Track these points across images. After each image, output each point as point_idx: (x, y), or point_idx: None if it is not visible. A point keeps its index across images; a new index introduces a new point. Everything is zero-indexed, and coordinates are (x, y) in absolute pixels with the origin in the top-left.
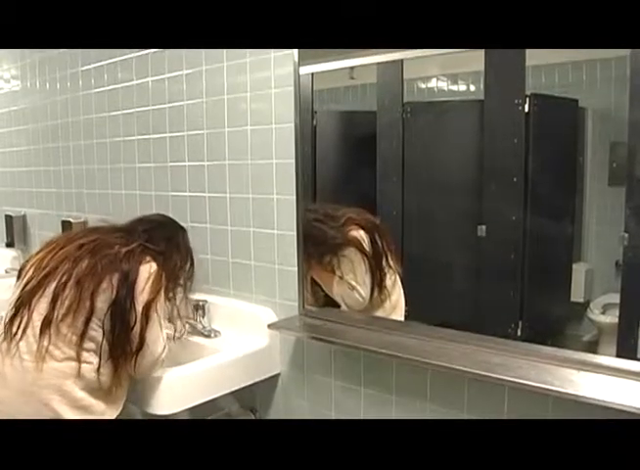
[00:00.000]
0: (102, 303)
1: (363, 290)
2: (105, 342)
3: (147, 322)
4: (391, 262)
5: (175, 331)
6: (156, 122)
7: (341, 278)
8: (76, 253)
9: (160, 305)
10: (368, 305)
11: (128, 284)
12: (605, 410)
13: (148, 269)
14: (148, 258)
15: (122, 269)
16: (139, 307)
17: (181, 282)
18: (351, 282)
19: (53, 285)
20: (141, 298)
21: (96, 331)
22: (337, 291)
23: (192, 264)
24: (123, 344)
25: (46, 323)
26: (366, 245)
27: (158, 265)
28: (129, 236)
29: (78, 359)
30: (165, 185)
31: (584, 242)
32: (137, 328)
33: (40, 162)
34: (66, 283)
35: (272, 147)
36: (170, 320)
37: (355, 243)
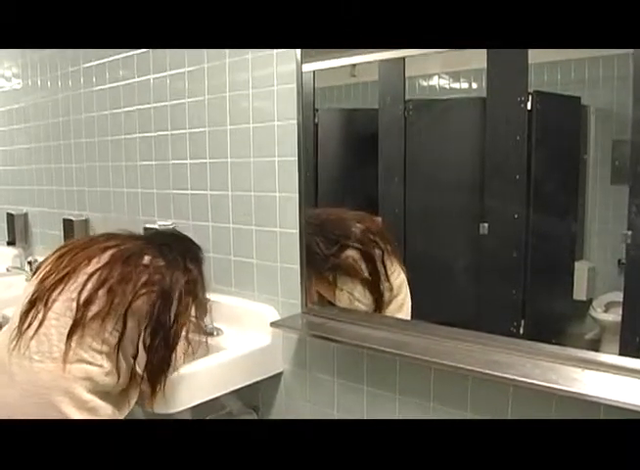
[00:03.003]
0: (134, 319)
1: (365, 299)
2: (140, 354)
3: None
4: (395, 267)
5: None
6: (157, 120)
7: (341, 290)
8: (101, 255)
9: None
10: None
11: (168, 305)
12: (609, 408)
13: (182, 288)
14: (181, 274)
15: (163, 291)
16: (175, 327)
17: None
18: (353, 293)
19: (74, 286)
20: (177, 317)
21: (112, 335)
22: (338, 301)
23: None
24: (162, 362)
25: (73, 327)
26: (362, 269)
27: (187, 281)
28: (152, 245)
29: (90, 362)
30: (167, 183)
31: (587, 240)
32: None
33: (42, 160)
34: (96, 289)
35: (274, 144)
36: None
37: (350, 271)
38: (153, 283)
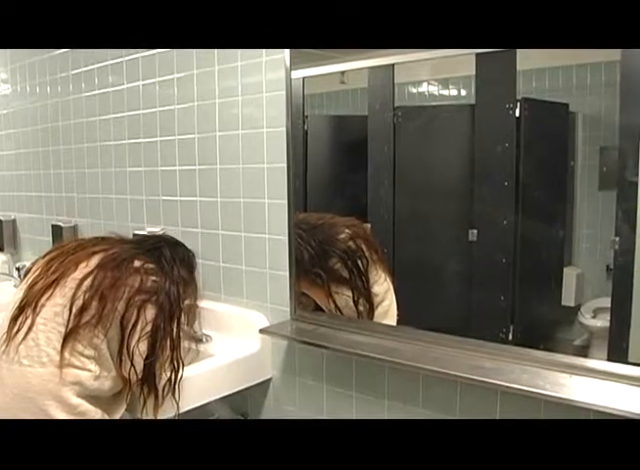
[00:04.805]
0: (128, 327)
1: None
2: (134, 361)
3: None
4: (380, 274)
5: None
6: (146, 126)
7: (337, 293)
8: (89, 260)
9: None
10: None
11: (163, 314)
12: (597, 414)
13: (175, 295)
14: (174, 281)
15: (157, 299)
16: (173, 332)
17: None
18: (346, 293)
19: (62, 292)
20: (172, 323)
21: (103, 342)
22: (333, 304)
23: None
24: (154, 370)
25: (67, 335)
26: (346, 273)
27: (179, 288)
28: (143, 249)
29: (79, 367)
30: (156, 189)
31: (575, 246)
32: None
33: (30, 166)
34: (89, 296)
35: (263, 151)
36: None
37: (337, 278)
38: (147, 291)
